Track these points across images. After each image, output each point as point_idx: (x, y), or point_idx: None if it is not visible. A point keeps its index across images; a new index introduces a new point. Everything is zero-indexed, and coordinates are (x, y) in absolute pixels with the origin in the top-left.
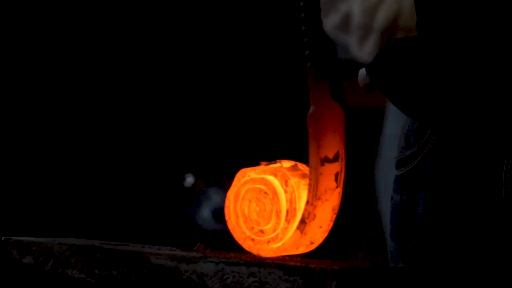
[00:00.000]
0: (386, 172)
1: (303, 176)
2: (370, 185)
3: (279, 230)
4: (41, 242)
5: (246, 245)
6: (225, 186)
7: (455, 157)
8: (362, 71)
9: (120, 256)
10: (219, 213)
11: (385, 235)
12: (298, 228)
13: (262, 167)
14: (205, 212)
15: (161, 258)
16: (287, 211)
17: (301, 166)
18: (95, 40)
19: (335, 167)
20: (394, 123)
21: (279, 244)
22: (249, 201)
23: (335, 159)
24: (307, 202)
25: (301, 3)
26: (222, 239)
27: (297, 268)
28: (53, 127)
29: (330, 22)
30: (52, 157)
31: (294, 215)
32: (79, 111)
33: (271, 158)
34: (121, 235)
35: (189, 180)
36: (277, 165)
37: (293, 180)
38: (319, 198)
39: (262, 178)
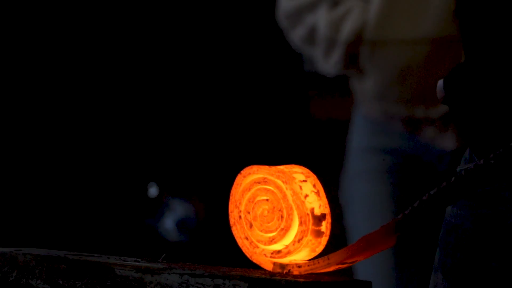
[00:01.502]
0: (352, 185)
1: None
2: (335, 197)
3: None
4: (5, 252)
5: (244, 245)
6: (190, 197)
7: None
8: (440, 83)
9: (85, 267)
10: (183, 225)
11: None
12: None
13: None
14: (169, 224)
15: (125, 269)
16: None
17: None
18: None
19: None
20: (360, 135)
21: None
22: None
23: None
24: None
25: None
26: (187, 250)
27: (262, 280)
28: (17, 137)
29: (296, 34)
30: (15, 167)
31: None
32: (39, 124)
33: (233, 167)
34: (86, 245)
35: (153, 190)
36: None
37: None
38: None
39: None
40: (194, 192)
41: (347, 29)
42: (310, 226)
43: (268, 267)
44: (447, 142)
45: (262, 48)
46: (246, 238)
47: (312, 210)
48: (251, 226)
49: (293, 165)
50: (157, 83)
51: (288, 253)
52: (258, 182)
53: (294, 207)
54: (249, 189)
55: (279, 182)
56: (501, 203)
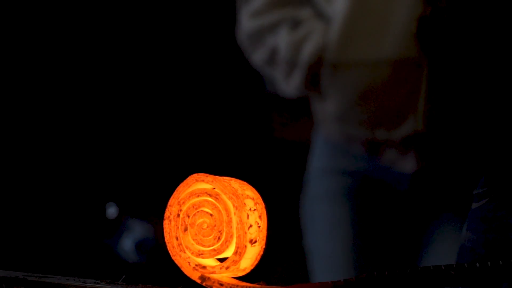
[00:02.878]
0: (312, 206)
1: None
2: (295, 219)
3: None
4: None
5: (171, 245)
6: (149, 217)
7: None
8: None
9: None
10: (142, 245)
11: (308, 269)
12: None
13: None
14: (128, 244)
15: None
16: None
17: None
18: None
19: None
20: (320, 157)
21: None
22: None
23: None
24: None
25: None
26: (146, 271)
27: None
28: None
29: (257, 55)
30: None
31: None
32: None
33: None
34: (44, 266)
35: (111, 211)
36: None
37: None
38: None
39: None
40: (153, 213)
41: (308, 50)
42: (243, 256)
43: (188, 272)
44: (407, 164)
45: (225, 66)
46: (176, 238)
47: (251, 241)
48: (185, 229)
49: (247, 185)
50: (114, 101)
51: (212, 273)
52: (209, 194)
53: (234, 236)
54: (198, 195)
55: (229, 204)
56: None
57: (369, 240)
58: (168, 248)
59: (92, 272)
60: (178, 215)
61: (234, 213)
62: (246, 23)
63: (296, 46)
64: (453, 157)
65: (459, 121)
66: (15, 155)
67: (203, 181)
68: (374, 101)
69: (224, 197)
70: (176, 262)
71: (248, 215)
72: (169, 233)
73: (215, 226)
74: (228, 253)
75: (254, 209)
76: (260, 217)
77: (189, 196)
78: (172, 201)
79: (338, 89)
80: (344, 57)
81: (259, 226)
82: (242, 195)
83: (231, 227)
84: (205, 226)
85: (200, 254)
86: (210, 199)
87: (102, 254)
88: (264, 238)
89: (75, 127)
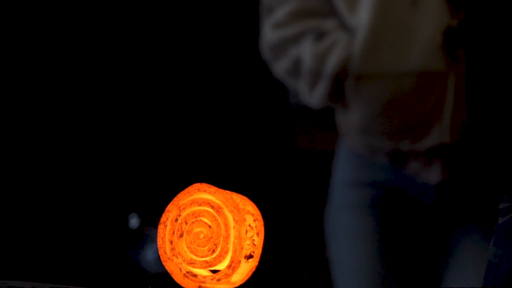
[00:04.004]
0: (336, 218)
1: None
2: (320, 231)
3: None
4: None
5: (165, 247)
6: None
7: None
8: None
9: None
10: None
11: (333, 282)
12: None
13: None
14: (149, 255)
15: None
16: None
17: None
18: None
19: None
20: (344, 168)
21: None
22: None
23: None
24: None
25: None
26: (170, 281)
27: None
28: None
29: (280, 66)
30: (1, 198)
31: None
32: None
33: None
34: (70, 277)
35: (133, 221)
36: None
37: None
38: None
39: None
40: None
41: (332, 62)
42: (236, 271)
43: (178, 279)
44: (432, 175)
45: (248, 77)
46: (171, 242)
47: (245, 256)
48: (181, 235)
49: (248, 200)
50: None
51: (202, 282)
52: (211, 205)
53: (230, 251)
54: (199, 204)
55: (230, 218)
56: None
57: (393, 252)
58: (160, 253)
59: (118, 283)
60: (176, 220)
61: (234, 227)
62: (269, 34)
63: (320, 58)
64: (479, 168)
65: (485, 132)
66: (41, 168)
67: (205, 191)
68: (398, 112)
69: (225, 210)
70: (167, 267)
71: (246, 231)
72: (162, 238)
73: (211, 238)
74: (221, 266)
75: (254, 226)
76: (258, 234)
77: (191, 204)
78: (170, 206)
79: (362, 101)
80: (368, 68)
81: (254, 244)
82: (243, 209)
83: (227, 243)
84: (201, 236)
85: (192, 263)
86: (211, 210)
87: (126, 265)
88: (259, 255)
89: (96, 138)
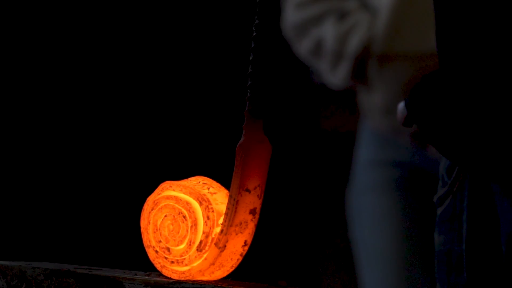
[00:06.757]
0: (359, 198)
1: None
2: (342, 211)
3: (186, 256)
4: (14, 266)
5: (149, 253)
6: None
7: (485, 195)
8: (401, 105)
9: (94, 281)
10: None
11: (355, 263)
12: (206, 258)
13: (188, 184)
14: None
15: (134, 283)
16: (201, 242)
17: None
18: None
19: (254, 201)
20: (367, 149)
21: (184, 269)
22: (165, 215)
23: (255, 192)
24: (221, 231)
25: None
26: None
27: None
28: (19, 148)
29: (303, 47)
30: (24, 180)
31: (206, 246)
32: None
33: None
34: (95, 259)
35: None
36: (206, 190)
37: (216, 210)
38: (233, 229)
39: (187, 202)
40: None
41: (355, 42)
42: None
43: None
44: None
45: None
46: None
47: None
48: (165, 216)
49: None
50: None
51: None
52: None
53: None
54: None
55: (199, 213)
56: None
57: (416, 232)
58: (143, 240)
59: (143, 266)
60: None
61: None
62: (292, 14)
63: (343, 38)
64: (500, 146)
65: (508, 111)
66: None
67: (168, 188)
68: None
69: (195, 205)
70: (165, 274)
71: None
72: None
73: (178, 224)
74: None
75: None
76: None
77: (153, 207)
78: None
79: (384, 81)
80: (390, 49)
81: (222, 231)
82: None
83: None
84: (171, 228)
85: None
86: (171, 203)
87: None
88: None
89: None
